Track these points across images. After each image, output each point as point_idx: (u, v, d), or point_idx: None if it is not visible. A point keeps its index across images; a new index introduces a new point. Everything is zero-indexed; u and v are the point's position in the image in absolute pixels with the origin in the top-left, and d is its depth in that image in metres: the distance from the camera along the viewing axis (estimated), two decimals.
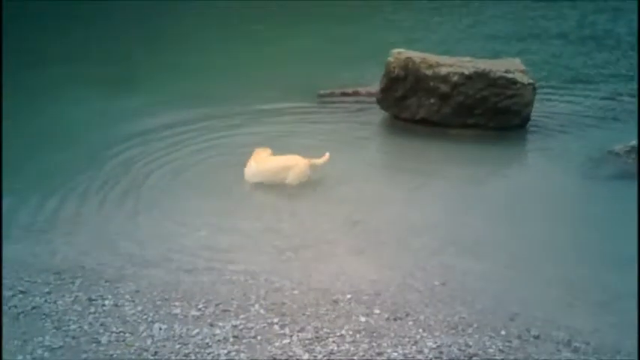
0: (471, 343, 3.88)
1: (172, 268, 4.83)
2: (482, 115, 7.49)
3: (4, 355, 3.79)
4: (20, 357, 3.77)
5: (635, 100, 8.11)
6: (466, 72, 7.47)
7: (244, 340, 3.92)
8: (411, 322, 4.11)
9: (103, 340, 3.92)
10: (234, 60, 10.45)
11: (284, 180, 6.29)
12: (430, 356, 3.77)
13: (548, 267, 4.83)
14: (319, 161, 6.34)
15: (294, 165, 6.29)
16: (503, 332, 4.01)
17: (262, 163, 6.34)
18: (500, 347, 3.86)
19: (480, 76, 7.43)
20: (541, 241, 5.23)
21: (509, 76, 7.43)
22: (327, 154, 6.34)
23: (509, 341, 3.92)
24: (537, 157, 7.17)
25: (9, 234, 5.34)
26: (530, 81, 7.46)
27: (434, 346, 3.86)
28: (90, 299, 4.36)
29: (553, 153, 7.06)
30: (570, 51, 10.59)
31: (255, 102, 8.46)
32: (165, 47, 11.12)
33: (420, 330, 4.03)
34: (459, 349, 3.83)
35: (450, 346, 3.86)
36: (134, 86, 9.19)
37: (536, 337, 3.96)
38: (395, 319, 4.14)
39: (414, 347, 3.85)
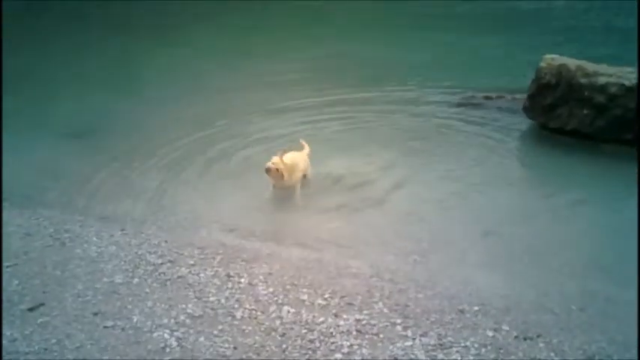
0: None
1: (302, 256, 5.04)
2: None
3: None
4: (165, 320, 4.16)
5: None
6: (627, 83, 6.82)
7: (367, 336, 3.97)
8: (542, 344, 3.88)
9: (238, 314, 4.20)
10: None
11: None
12: None
13: None
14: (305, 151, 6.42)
15: (304, 159, 6.34)
16: None
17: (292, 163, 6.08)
18: None
19: None
20: None
21: None
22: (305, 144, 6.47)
23: None
24: None
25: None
26: None
27: None
28: (228, 275, 4.69)
29: None
30: None
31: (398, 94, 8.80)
32: None
33: (552, 354, 3.79)
34: None
35: None
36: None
37: None
38: (525, 339, 3.93)
39: None
